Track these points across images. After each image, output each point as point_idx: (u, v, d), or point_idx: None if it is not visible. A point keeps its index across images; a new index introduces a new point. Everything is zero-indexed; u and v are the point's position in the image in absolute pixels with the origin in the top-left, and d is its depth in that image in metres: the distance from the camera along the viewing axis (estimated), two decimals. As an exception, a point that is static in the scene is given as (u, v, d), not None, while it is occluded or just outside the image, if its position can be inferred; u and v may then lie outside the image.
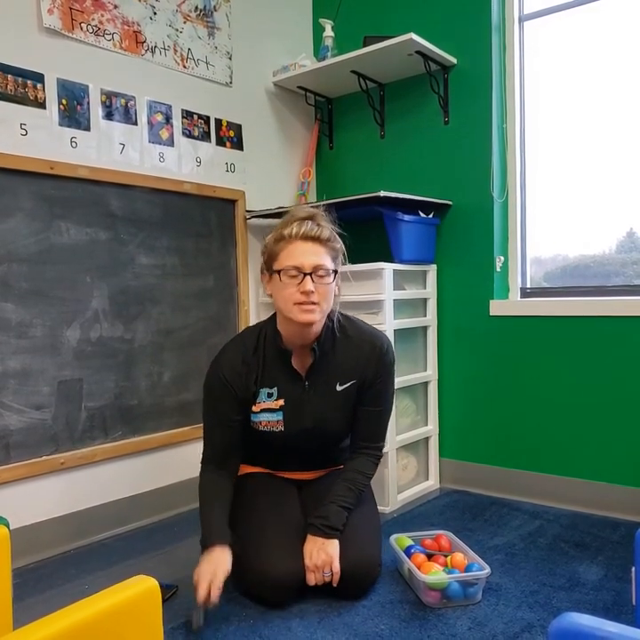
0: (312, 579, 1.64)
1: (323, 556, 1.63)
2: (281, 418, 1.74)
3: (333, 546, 1.66)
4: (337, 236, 1.69)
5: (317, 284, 1.61)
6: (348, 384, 1.76)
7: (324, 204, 1.86)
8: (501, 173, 2.55)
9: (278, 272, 1.62)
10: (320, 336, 1.71)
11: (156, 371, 2.35)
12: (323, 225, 1.65)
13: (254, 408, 1.75)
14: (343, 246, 1.72)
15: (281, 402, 1.74)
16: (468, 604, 1.63)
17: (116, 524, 2.23)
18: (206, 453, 1.80)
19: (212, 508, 1.71)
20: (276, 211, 2.57)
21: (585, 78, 2.40)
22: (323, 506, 1.72)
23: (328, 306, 1.67)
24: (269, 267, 1.67)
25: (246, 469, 1.90)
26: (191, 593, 1.61)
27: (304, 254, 1.60)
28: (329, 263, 1.63)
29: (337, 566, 1.63)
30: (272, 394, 1.74)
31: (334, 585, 1.65)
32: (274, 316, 1.78)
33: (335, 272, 1.65)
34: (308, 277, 1.60)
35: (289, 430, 1.75)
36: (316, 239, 1.62)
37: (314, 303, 1.61)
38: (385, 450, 2.33)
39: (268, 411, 1.74)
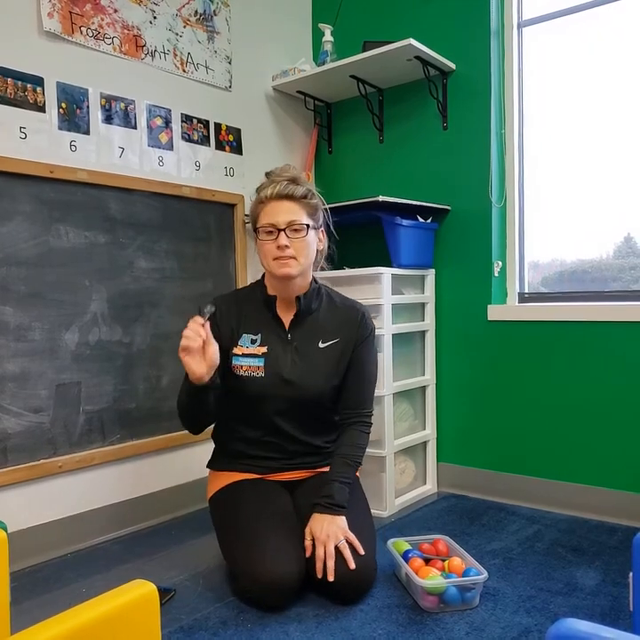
0: (322, 551, 1.63)
1: (334, 527, 1.67)
2: (262, 364, 1.81)
3: (342, 520, 1.71)
4: (314, 194, 1.82)
5: (292, 239, 1.74)
6: (331, 342, 1.86)
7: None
8: (500, 178, 2.56)
9: (257, 231, 1.78)
10: (307, 292, 1.84)
11: (154, 374, 2.35)
12: (298, 184, 1.77)
13: (236, 351, 1.83)
14: (323, 203, 1.85)
15: (263, 349, 1.82)
16: (465, 608, 1.63)
17: (113, 527, 2.23)
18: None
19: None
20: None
21: (583, 84, 2.41)
22: (325, 485, 1.76)
23: (306, 259, 1.79)
24: (254, 229, 1.82)
25: (235, 477, 1.89)
26: (197, 596, 1.62)
27: (278, 212, 1.74)
28: (304, 218, 1.76)
29: (352, 535, 1.68)
30: (256, 340, 1.83)
31: (331, 578, 1.61)
32: (263, 275, 1.93)
33: (308, 226, 1.77)
34: (282, 233, 1.74)
35: (269, 377, 1.80)
36: (290, 197, 1.75)
37: (290, 257, 1.75)
38: (383, 454, 2.35)
39: (250, 356, 1.82)
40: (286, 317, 1.86)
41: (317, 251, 1.86)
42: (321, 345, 1.85)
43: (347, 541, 1.67)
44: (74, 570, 1.96)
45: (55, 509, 2.08)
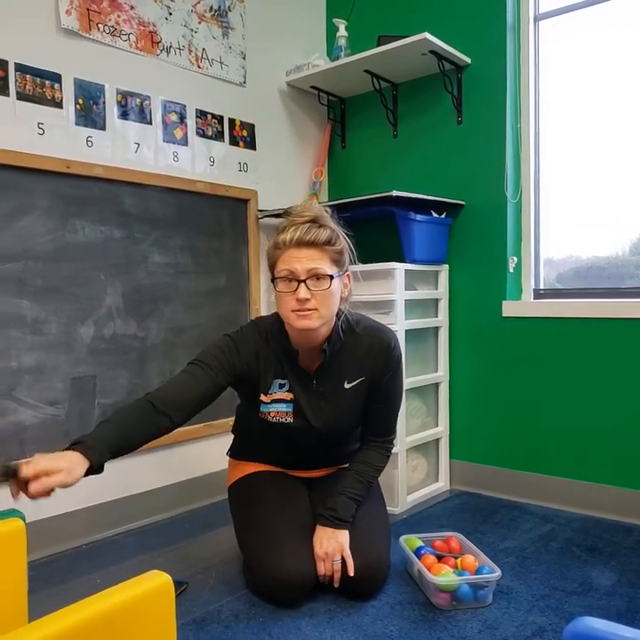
0: (322, 568, 1.64)
1: (333, 543, 1.65)
2: (291, 410, 1.73)
3: (343, 535, 1.67)
4: (340, 237, 1.62)
5: (314, 291, 1.56)
6: (357, 381, 1.74)
7: (325, 204, 1.81)
8: (515, 173, 2.54)
9: (274, 280, 1.61)
10: (330, 337, 1.69)
11: (168, 368, 2.36)
12: (323, 226, 1.59)
13: (265, 398, 1.73)
14: (349, 246, 1.66)
15: (291, 395, 1.73)
16: (478, 606, 1.62)
17: (127, 519, 2.25)
18: (156, 390, 1.59)
19: (109, 421, 1.47)
20: (288, 210, 2.57)
21: (600, 78, 2.39)
22: (331, 497, 1.73)
23: (329, 310, 1.61)
24: (271, 273, 1.64)
25: (255, 467, 1.90)
26: (209, 589, 1.62)
27: (298, 260, 1.55)
28: (327, 267, 1.57)
29: (348, 553, 1.64)
30: (284, 385, 1.72)
31: (336, 585, 1.65)
32: (279, 315, 1.75)
33: (332, 277, 1.58)
34: (303, 284, 1.55)
35: (298, 423, 1.74)
36: (311, 244, 1.56)
37: (310, 310, 1.57)
38: (395, 450, 2.34)
39: (280, 401, 1.73)
40: (310, 366, 1.73)
41: (341, 298, 1.67)
42: (346, 385, 1.74)
43: (343, 557, 1.64)
44: (89, 561, 1.98)
45: (70, 501, 2.10)
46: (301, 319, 1.58)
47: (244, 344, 1.69)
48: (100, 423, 1.46)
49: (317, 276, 1.56)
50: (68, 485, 1.26)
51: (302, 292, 1.54)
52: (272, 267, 1.63)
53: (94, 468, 1.35)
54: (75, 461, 1.30)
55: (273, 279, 1.62)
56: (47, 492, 1.25)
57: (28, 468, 1.22)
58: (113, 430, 1.43)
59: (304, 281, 1.55)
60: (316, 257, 1.56)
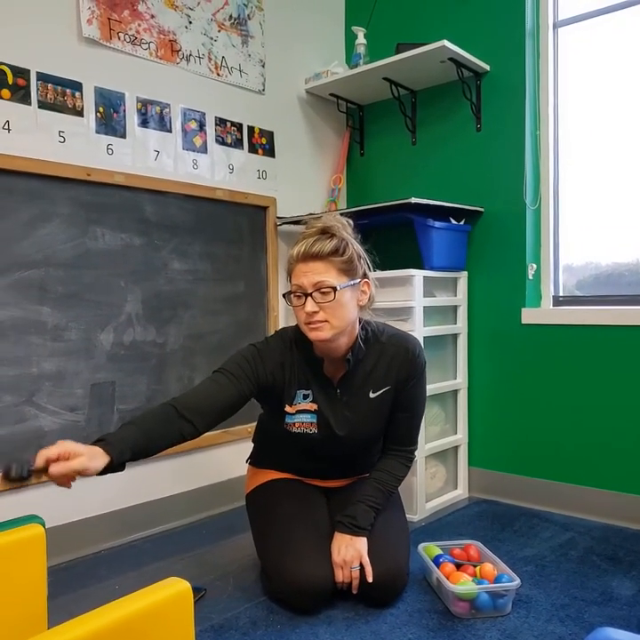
0: (340, 575, 1.64)
1: (351, 550, 1.65)
2: (315, 420, 1.73)
3: (362, 542, 1.67)
4: (348, 246, 1.61)
5: (321, 303, 1.57)
6: (382, 391, 1.74)
7: (343, 211, 1.82)
8: (534, 180, 2.52)
9: (286, 295, 1.65)
10: (353, 347, 1.70)
11: (186, 374, 2.37)
12: (331, 237, 1.59)
13: (290, 409, 1.73)
14: (361, 254, 1.66)
15: (315, 405, 1.73)
16: (497, 615, 1.61)
17: (146, 525, 2.26)
18: (180, 397, 1.59)
19: (132, 423, 1.48)
20: (307, 217, 2.57)
21: (620, 85, 2.37)
22: (351, 505, 1.73)
23: (342, 321, 1.61)
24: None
25: (274, 475, 1.90)
26: (228, 596, 1.63)
27: (305, 275, 1.58)
28: (332, 278, 1.57)
29: (367, 560, 1.64)
30: (308, 395, 1.73)
31: (354, 591, 1.65)
32: None
33: (336, 289, 1.57)
34: (309, 298, 1.57)
35: (321, 434, 1.74)
36: (315, 256, 1.58)
37: (320, 322, 1.58)
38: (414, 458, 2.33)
39: (304, 412, 1.73)
40: (334, 375, 1.74)
41: (360, 306, 1.68)
42: (371, 395, 1.74)
43: (361, 564, 1.64)
44: (107, 567, 1.99)
45: (89, 506, 2.12)
46: (313, 331, 1.60)
47: (269, 354, 1.71)
48: (123, 425, 1.48)
49: (323, 289, 1.58)
50: (89, 472, 1.28)
51: (309, 305, 1.58)
52: (289, 281, 1.66)
53: (114, 466, 1.35)
54: (96, 451, 1.32)
55: (286, 294, 1.66)
56: (68, 478, 1.26)
57: (49, 449, 1.24)
58: (135, 432, 1.44)
59: (311, 294, 1.58)
60: (321, 270, 1.58)
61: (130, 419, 1.53)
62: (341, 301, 1.59)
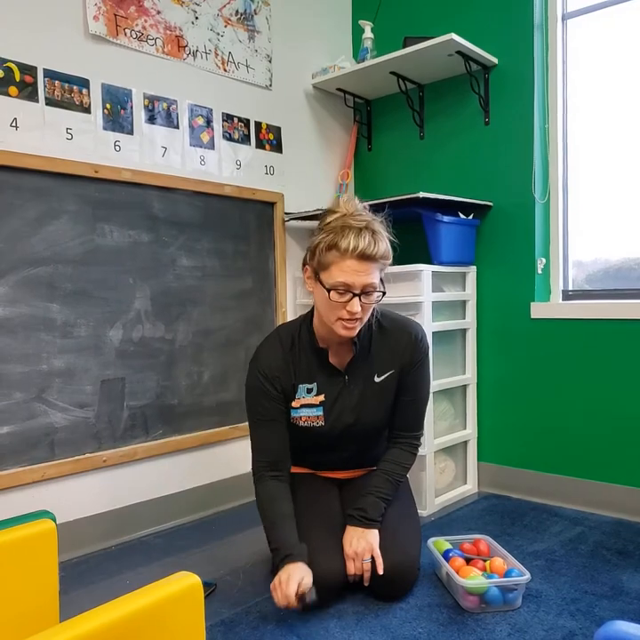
0: (352, 567, 1.65)
1: (363, 543, 1.65)
2: (321, 413, 1.75)
3: (373, 535, 1.68)
4: (390, 249, 1.62)
5: (364, 303, 1.59)
6: (386, 375, 1.77)
7: (369, 204, 1.80)
8: (543, 174, 2.51)
9: (326, 285, 1.58)
10: (360, 332, 1.70)
11: (195, 371, 2.38)
12: (378, 236, 1.58)
13: (294, 403, 1.75)
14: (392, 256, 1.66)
15: (321, 397, 1.75)
16: (507, 609, 1.61)
17: (156, 521, 2.27)
18: (258, 459, 1.75)
19: (282, 523, 1.66)
20: (315, 213, 2.57)
21: (630, 77, 2.35)
22: (361, 497, 1.74)
23: (368, 317, 1.66)
24: (317, 272, 1.62)
25: None
26: (238, 590, 1.63)
27: (357, 274, 1.55)
28: (377, 281, 1.60)
29: (378, 552, 1.64)
30: (311, 389, 1.75)
31: (366, 584, 1.66)
32: (307, 315, 1.79)
33: (384, 293, 1.62)
34: (357, 298, 1.57)
35: (330, 425, 1.75)
36: (371, 258, 1.55)
37: (357, 320, 1.61)
38: (423, 453, 2.33)
39: (308, 406, 1.75)
40: (340, 362, 1.76)
41: None
42: (377, 379, 1.76)
43: (373, 557, 1.65)
44: (118, 562, 2.00)
45: (100, 502, 2.13)
46: (347, 329, 1.62)
47: (270, 372, 1.72)
48: (278, 526, 1.66)
49: (369, 291, 1.59)
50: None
51: (356, 305, 1.57)
52: (320, 267, 1.60)
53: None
54: (304, 567, 1.57)
55: (318, 278, 1.61)
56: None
57: (292, 586, 1.51)
58: (290, 524, 1.65)
59: (359, 295, 1.57)
60: (372, 271, 1.58)
61: (271, 516, 1.69)
62: (375, 302, 1.64)
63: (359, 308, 1.57)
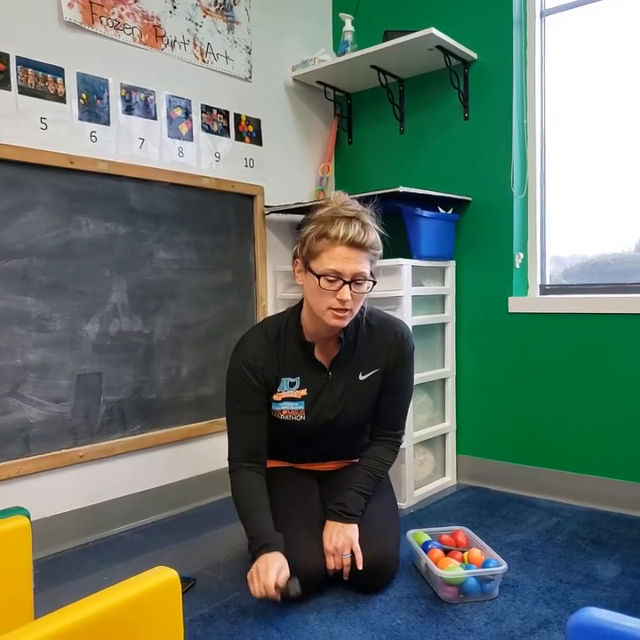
0: (331, 562, 1.65)
1: (342, 538, 1.65)
2: (303, 407, 1.74)
3: (352, 529, 1.68)
4: (379, 240, 1.64)
5: (354, 292, 1.59)
6: (371, 373, 1.77)
7: (361, 197, 1.81)
8: (522, 169, 2.52)
9: (317, 272, 1.58)
10: (347, 328, 1.71)
11: (174, 365, 2.36)
12: (368, 227, 1.60)
13: (275, 397, 1.75)
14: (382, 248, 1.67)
15: (303, 391, 1.74)
16: (484, 599, 1.62)
17: (134, 517, 2.25)
18: (234, 450, 1.76)
19: (258, 513, 1.67)
20: (295, 206, 2.56)
21: (607, 74, 2.37)
22: (341, 493, 1.74)
23: (358, 309, 1.67)
24: (306, 262, 1.62)
25: (267, 464, 1.90)
26: (217, 585, 1.62)
27: (348, 262, 1.56)
28: (367, 271, 1.60)
29: (357, 547, 1.64)
30: (294, 383, 1.74)
31: (345, 578, 1.66)
32: (295, 309, 1.78)
33: (374, 282, 1.63)
34: (347, 286, 1.57)
35: (310, 420, 1.75)
36: (361, 246, 1.57)
37: (347, 310, 1.60)
38: (402, 446, 2.33)
39: (290, 400, 1.75)
40: (325, 358, 1.75)
41: None
42: (361, 377, 1.76)
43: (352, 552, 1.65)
44: (95, 558, 1.98)
45: (77, 498, 2.10)
46: (337, 319, 1.61)
47: (253, 363, 1.71)
48: (253, 516, 1.67)
49: (359, 280, 1.59)
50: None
51: (346, 293, 1.57)
52: (310, 256, 1.61)
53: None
54: (282, 557, 1.58)
55: (308, 268, 1.61)
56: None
57: (271, 577, 1.53)
58: (265, 516, 1.66)
59: (349, 283, 1.57)
60: (362, 260, 1.59)
61: (247, 505, 1.70)
62: (366, 293, 1.64)
63: (349, 296, 1.57)
